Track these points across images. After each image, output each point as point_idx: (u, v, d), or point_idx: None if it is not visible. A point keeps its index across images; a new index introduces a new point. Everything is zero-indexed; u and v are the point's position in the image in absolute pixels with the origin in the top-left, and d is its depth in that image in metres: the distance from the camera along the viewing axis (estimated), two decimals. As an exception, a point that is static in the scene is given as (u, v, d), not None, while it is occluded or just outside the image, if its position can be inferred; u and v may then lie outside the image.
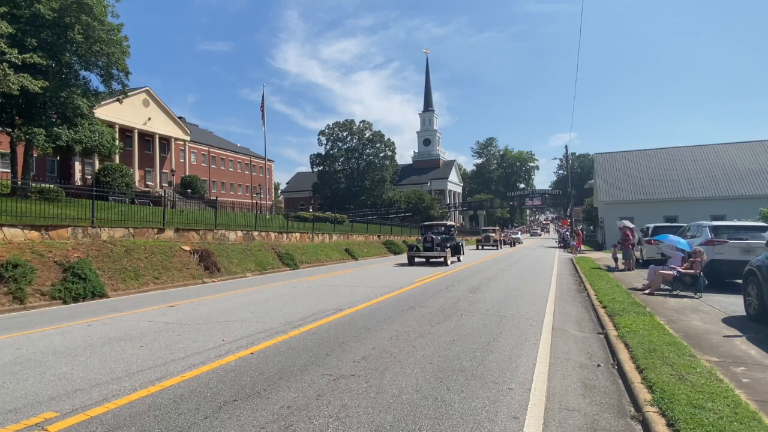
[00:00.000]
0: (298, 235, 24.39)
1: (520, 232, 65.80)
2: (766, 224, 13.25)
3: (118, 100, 26.12)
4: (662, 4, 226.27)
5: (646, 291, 10.44)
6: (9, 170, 23.90)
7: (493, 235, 40.14)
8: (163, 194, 27.93)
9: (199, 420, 3.50)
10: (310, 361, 5.08)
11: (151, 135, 46.44)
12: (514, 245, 46.21)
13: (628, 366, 4.76)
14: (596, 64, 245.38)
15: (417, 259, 20.69)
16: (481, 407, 3.74)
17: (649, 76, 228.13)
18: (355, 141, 75.67)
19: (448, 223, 24.13)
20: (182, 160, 51.89)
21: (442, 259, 19.56)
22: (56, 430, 3.36)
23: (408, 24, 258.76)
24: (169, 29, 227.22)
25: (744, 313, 7.54)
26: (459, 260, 21.37)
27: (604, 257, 24.50)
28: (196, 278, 14.27)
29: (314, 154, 77.25)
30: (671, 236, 11.92)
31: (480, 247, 38.64)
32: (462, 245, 22.29)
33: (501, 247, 39.71)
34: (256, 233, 20.74)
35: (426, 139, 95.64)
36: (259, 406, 3.76)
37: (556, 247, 39.83)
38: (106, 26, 20.57)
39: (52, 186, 19.43)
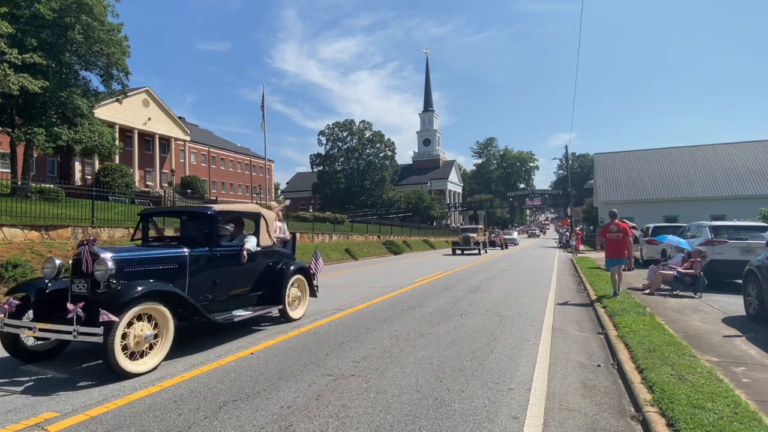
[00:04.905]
0: (297, 235, 24.29)
1: (516, 232, 60.36)
2: (766, 224, 13.26)
3: (117, 100, 26.06)
4: (662, 5, 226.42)
5: (646, 291, 10.45)
6: (9, 170, 23.87)
7: (475, 236, 30.20)
8: (163, 194, 27.93)
9: (199, 420, 3.50)
10: (310, 361, 5.08)
11: (151, 135, 46.43)
12: (506, 247, 39.49)
13: (628, 366, 4.76)
14: (596, 64, 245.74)
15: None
16: (481, 407, 3.74)
17: (649, 76, 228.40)
18: (355, 141, 75.64)
19: (216, 208, 6.23)
20: (182, 160, 51.88)
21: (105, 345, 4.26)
22: (56, 430, 3.35)
23: (406, 23, 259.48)
24: (168, 29, 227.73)
25: (744, 313, 7.55)
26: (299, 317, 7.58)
27: (603, 257, 24.44)
28: (196, 278, 14.24)
29: (314, 154, 77.27)
30: (671, 236, 11.98)
31: (459, 251, 29.24)
32: (292, 269, 7.37)
33: (486, 251, 31.89)
34: (256, 233, 20.68)
35: (426, 139, 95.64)
36: (259, 406, 3.76)
37: (555, 247, 39.73)
38: (106, 26, 20.56)
39: (52, 186, 19.38)
